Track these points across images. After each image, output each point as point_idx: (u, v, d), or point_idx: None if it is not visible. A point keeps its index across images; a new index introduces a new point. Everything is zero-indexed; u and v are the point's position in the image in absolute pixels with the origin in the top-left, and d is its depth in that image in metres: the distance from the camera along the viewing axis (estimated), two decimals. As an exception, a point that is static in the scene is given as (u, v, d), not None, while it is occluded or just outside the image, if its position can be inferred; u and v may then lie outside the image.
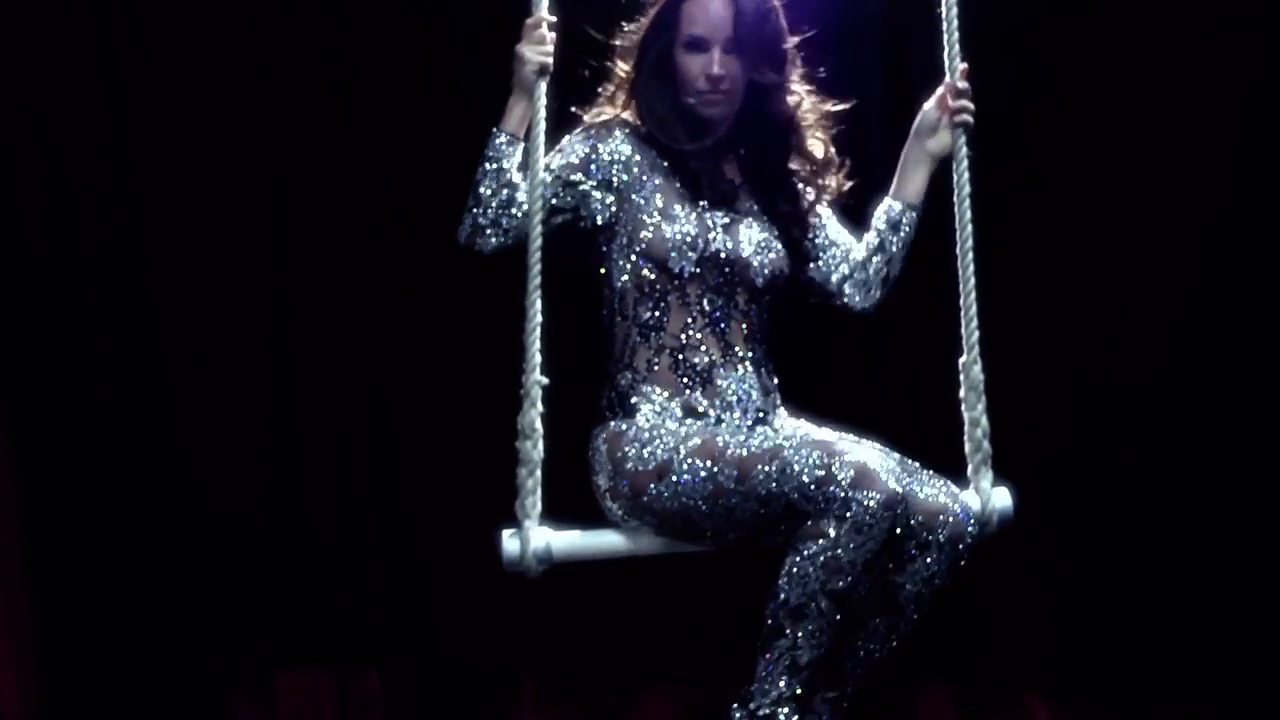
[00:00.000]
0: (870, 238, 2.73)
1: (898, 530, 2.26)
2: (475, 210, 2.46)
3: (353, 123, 3.86)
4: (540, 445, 2.37)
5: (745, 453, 2.31)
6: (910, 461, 2.43)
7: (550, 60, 2.46)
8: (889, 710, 3.96)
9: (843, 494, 2.20)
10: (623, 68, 2.69)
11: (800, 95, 2.68)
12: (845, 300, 2.75)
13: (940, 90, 2.68)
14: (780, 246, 2.62)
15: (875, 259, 2.71)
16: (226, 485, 3.90)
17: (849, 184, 2.77)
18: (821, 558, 2.21)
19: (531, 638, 3.95)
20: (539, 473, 2.37)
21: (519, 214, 2.45)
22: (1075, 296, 3.86)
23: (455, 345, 3.91)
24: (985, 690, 3.93)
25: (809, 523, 2.23)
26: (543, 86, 2.46)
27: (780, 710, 2.30)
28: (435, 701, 3.96)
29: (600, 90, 2.74)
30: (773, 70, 2.58)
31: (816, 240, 2.73)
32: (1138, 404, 3.86)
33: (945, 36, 2.61)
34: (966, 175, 2.58)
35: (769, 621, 2.29)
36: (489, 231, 2.46)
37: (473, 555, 3.93)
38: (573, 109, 2.71)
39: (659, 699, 3.94)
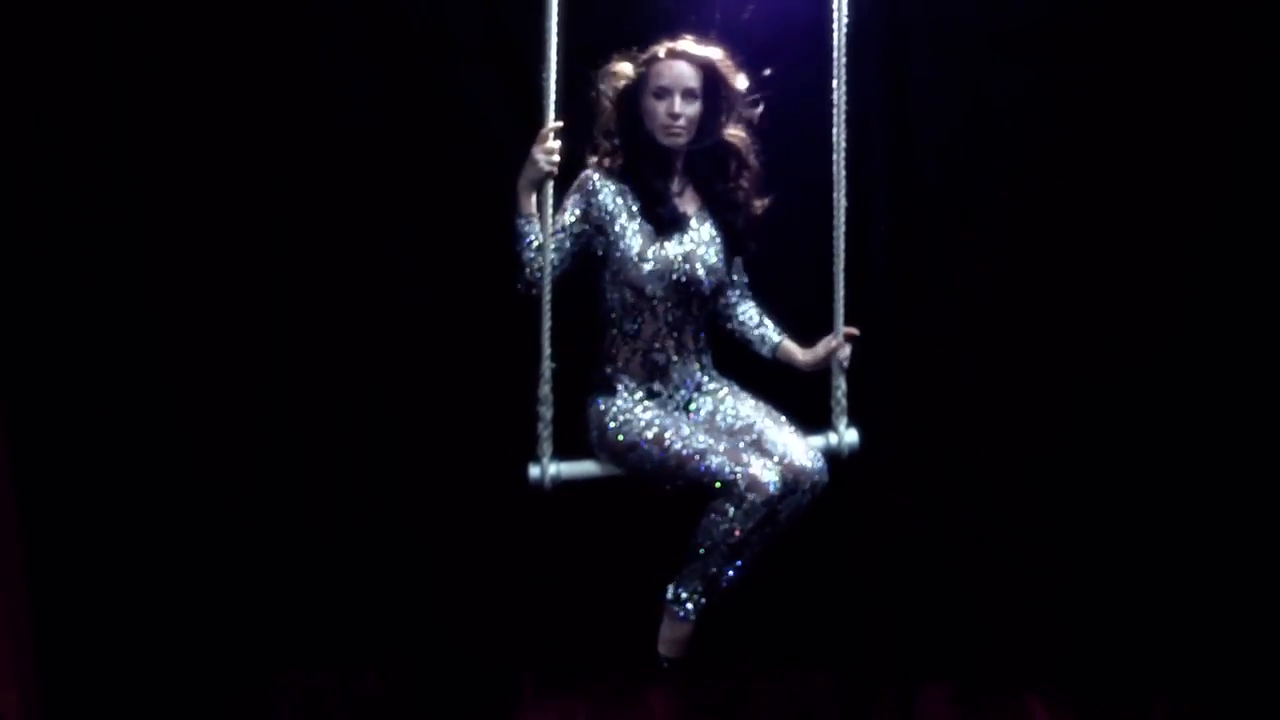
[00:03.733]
0: (750, 328, 3.61)
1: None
2: (524, 274, 3.37)
3: (352, 124, 3.85)
4: (551, 409, 3.34)
5: (684, 450, 3.33)
6: (789, 428, 3.45)
7: (555, 167, 3.30)
8: (889, 710, 3.96)
9: (739, 492, 3.27)
10: (605, 107, 3.46)
11: (739, 136, 3.49)
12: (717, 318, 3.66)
13: (827, 345, 3.47)
14: (722, 265, 3.52)
15: (735, 336, 3.64)
16: (226, 485, 3.90)
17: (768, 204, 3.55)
18: (722, 525, 3.28)
19: (531, 637, 3.96)
20: (550, 427, 3.35)
21: (553, 267, 3.40)
22: (1077, 296, 3.86)
23: (455, 346, 3.91)
24: (985, 690, 3.94)
25: (718, 500, 3.29)
26: (549, 183, 3.30)
27: (693, 597, 3.36)
28: (435, 701, 3.97)
29: (594, 140, 3.48)
30: (719, 111, 3.46)
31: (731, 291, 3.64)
32: (1138, 405, 3.86)
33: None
34: (843, 216, 3.38)
35: (690, 549, 3.33)
36: (536, 288, 3.36)
37: (473, 555, 3.95)
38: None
39: (659, 697, 3.95)
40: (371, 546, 3.96)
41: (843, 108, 3.33)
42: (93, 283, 3.82)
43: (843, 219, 3.37)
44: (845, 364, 3.50)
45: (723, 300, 3.60)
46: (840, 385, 3.48)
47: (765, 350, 3.61)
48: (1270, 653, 3.80)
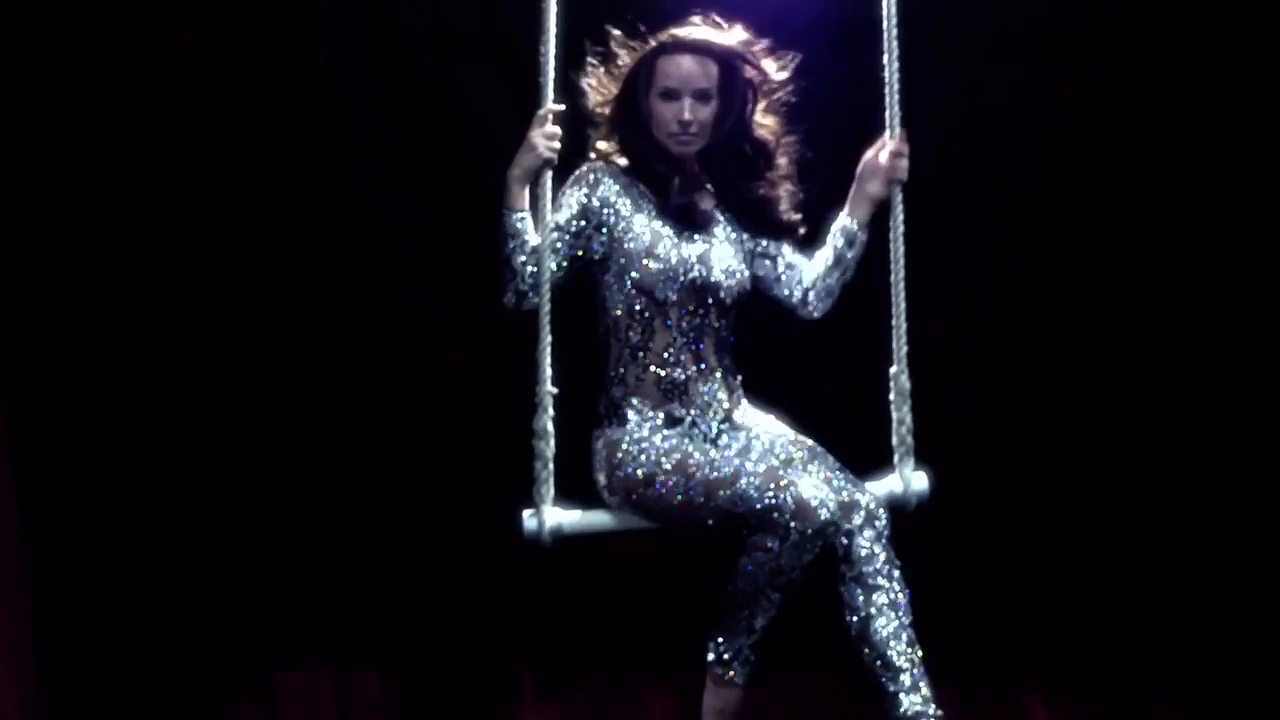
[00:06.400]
0: (827, 253, 3.09)
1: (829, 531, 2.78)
2: (515, 282, 2.89)
3: (352, 123, 3.86)
4: (552, 443, 2.82)
5: (713, 475, 2.80)
6: (836, 466, 2.93)
7: (555, 156, 2.86)
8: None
9: (785, 521, 2.70)
10: (601, 98, 3.05)
11: (764, 127, 3.07)
12: (809, 309, 3.14)
13: (881, 144, 3.05)
14: (744, 269, 3.05)
15: (834, 272, 3.09)
16: (226, 486, 3.90)
17: (800, 201, 3.15)
18: (767, 565, 2.75)
19: (531, 637, 3.96)
20: (551, 465, 2.82)
21: (550, 273, 2.89)
22: (1075, 296, 3.86)
23: (454, 346, 3.91)
24: (985, 690, 3.93)
25: (758, 535, 2.75)
26: (548, 174, 2.86)
27: (741, 656, 2.90)
28: (435, 701, 3.97)
29: (589, 133, 3.08)
30: (735, 114, 3.01)
31: (779, 266, 3.12)
32: (1138, 405, 3.86)
33: (888, 98, 2.98)
34: (901, 224, 3.01)
35: (729, 598, 2.86)
36: (531, 295, 2.88)
37: (473, 555, 3.95)
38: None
39: (659, 698, 3.94)
40: (372, 547, 3.96)
41: (896, 110, 2.99)
42: (93, 283, 3.82)
43: (900, 223, 3.01)
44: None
45: (797, 294, 3.07)
46: (905, 420, 2.95)
47: (843, 242, 3.03)
48: (1270, 653, 3.80)
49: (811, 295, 3.10)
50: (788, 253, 3.12)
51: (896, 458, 2.98)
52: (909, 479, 2.93)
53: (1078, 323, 3.87)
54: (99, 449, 3.81)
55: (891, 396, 3.00)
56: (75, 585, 3.82)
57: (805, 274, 3.10)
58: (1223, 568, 3.84)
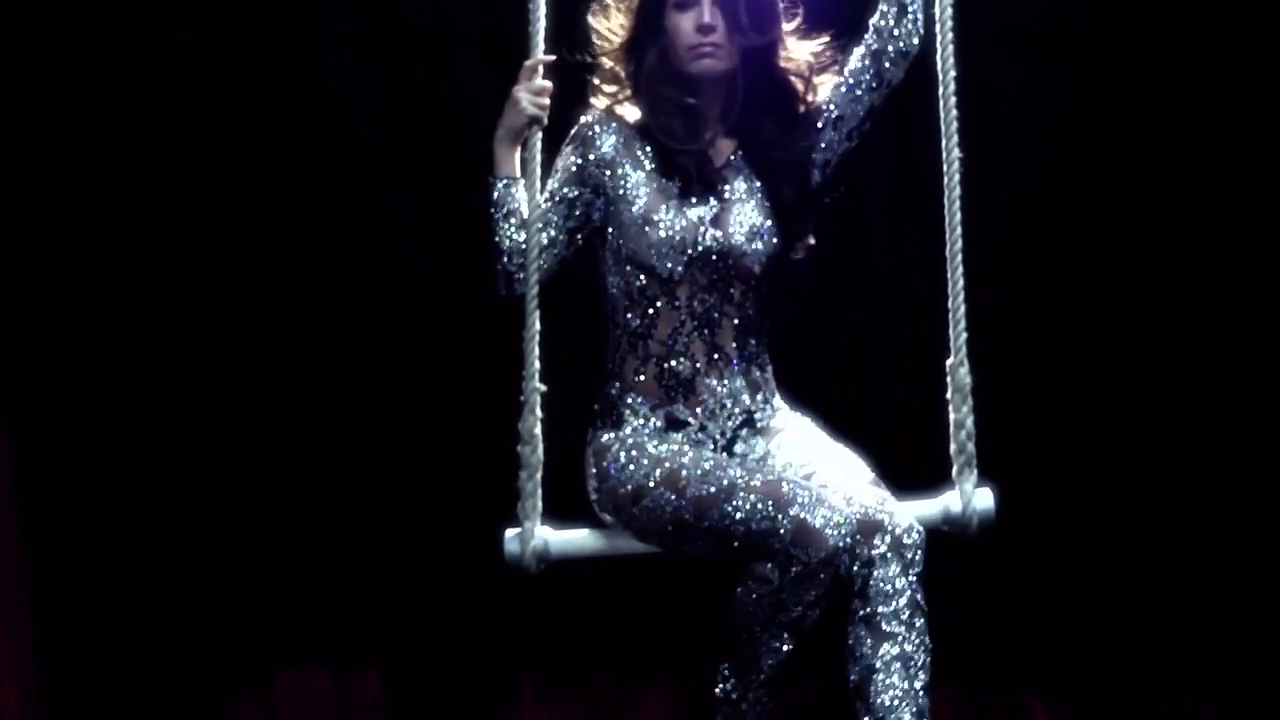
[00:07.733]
0: (886, 8, 2.62)
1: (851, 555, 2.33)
2: (502, 261, 2.53)
3: (353, 124, 3.86)
4: (539, 450, 2.47)
5: (704, 491, 2.36)
6: (868, 478, 2.48)
7: (545, 113, 2.51)
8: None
9: (783, 547, 2.27)
10: (612, 33, 2.63)
11: (793, 61, 2.61)
12: (897, 64, 2.67)
13: None
14: (774, 228, 2.56)
15: (903, 17, 2.63)
16: (226, 486, 3.90)
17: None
18: (766, 599, 2.31)
19: (531, 637, 3.96)
20: (539, 475, 2.47)
21: (540, 249, 2.52)
22: (1075, 296, 3.86)
23: (454, 346, 3.91)
24: (984, 690, 3.93)
25: (756, 563, 2.32)
26: (538, 134, 2.52)
27: (750, 693, 2.44)
28: (435, 701, 3.97)
29: (593, 81, 2.68)
30: (762, 30, 2.55)
31: (850, 89, 2.65)
32: (1137, 403, 3.86)
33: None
34: (957, 190, 2.61)
35: (731, 631, 2.42)
36: (522, 276, 2.52)
37: (473, 555, 3.94)
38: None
39: (659, 699, 3.94)
40: (372, 547, 3.96)
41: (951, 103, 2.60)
42: (93, 284, 3.83)
43: (956, 186, 2.61)
44: None
45: (873, 85, 2.58)
46: (965, 423, 2.50)
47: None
48: (1270, 653, 3.80)
49: (893, 42, 2.64)
50: (835, 94, 2.64)
51: (955, 469, 2.52)
52: (970, 495, 2.43)
53: (1080, 323, 3.87)
54: (99, 448, 3.82)
55: (949, 394, 2.56)
56: (75, 585, 3.82)
57: (865, 54, 2.62)
58: (1222, 568, 3.83)
